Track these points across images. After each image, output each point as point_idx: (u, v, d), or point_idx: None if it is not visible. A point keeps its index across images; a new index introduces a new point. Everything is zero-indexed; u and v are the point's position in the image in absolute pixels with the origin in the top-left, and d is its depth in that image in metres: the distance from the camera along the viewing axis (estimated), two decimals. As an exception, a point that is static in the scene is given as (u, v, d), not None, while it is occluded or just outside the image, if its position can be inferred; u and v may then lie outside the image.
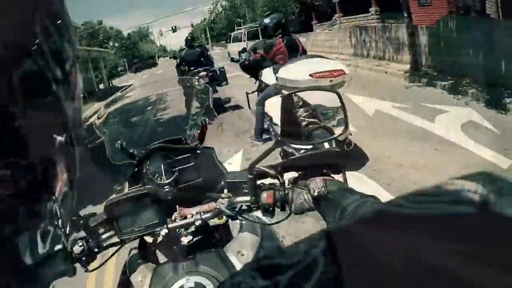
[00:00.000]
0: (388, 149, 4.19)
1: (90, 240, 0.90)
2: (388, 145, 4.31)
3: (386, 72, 8.60)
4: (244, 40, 17.63)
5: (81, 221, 0.90)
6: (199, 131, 1.19)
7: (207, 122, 1.19)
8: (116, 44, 55.48)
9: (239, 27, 24.92)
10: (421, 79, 7.12)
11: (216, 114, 1.26)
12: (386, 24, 10.59)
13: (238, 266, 0.88)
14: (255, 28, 18.41)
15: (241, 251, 0.92)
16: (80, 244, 0.88)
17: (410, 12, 7.88)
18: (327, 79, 3.57)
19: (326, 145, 3.02)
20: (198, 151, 1.12)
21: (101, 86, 24.01)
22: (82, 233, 0.90)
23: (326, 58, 4.08)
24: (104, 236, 0.92)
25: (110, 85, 25.64)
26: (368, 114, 5.59)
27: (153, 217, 0.91)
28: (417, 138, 4.38)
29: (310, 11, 19.70)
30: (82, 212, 1.01)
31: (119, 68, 49.90)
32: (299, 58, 4.22)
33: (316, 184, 0.80)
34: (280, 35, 4.67)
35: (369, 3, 14.55)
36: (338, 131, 0.95)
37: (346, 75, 3.69)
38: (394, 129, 4.83)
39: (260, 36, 16.30)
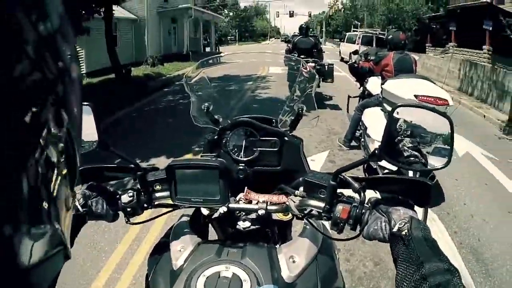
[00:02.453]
0: (466, 196, 4.15)
1: (142, 193, 0.87)
2: (467, 192, 4.26)
3: (484, 116, 8.37)
4: (357, 43, 16.93)
5: (139, 172, 0.87)
6: (293, 118, 1.09)
7: (304, 110, 1.08)
8: (231, 14, 56.52)
9: (355, 29, 24.53)
10: (515, 134, 6.85)
11: (316, 105, 1.17)
12: (496, 67, 10.02)
13: (285, 271, 0.80)
14: (371, 34, 18.37)
15: (294, 256, 0.83)
16: (131, 194, 0.86)
17: (521, 61, 7.42)
18: (430, 105, 3.43)
19: (411, 173, 2.84)
20: (286, 138, 1.04)
21: (208, 49, 25.00)
22: (136, 185, 0.88)
23: (434, 83, 4.08)
24: (157, 195, 0.89)
25: (217, 50, 27.01)
26: (458, 154, 5.42)
27: (215, 192, 0.84)
28: (496, 195, 4.28)
29: (427, 32, 19.29)
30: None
31: (229, 37, 51.67)
32: (410, 74, 4.20)
33: (400, 217, 0.71)
34: (394, 51, 4.50)
35: (484, 41, 13.97)
36: (437, 162, 0.84)
37: (449, 107, 3.64)
38: (477, 178, 4.70)
39: (374, 44, 16.52)
